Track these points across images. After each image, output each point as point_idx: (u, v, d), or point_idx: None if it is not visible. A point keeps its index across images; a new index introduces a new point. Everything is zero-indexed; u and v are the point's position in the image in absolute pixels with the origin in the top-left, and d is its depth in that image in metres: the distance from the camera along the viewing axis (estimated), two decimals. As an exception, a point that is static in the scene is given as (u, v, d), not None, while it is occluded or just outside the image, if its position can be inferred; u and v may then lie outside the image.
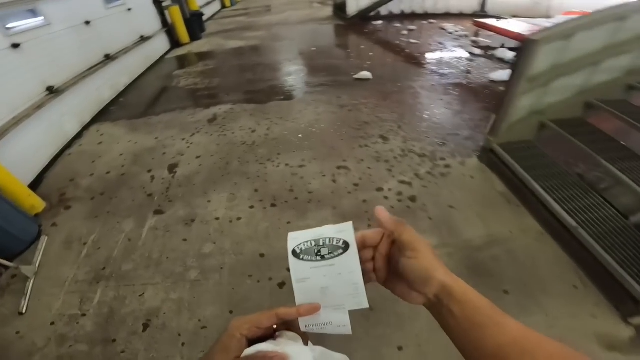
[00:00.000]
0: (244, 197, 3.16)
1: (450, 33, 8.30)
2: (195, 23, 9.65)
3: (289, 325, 0.59)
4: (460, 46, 7.17)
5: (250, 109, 4.81)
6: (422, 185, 3.17)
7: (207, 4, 14.21)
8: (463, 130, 3.98)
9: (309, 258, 0.57)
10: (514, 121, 3.24)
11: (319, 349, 0.60)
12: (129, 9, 6.83)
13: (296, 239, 0.59)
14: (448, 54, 6.67)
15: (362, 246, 0.57)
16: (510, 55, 6.37)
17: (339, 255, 0.56)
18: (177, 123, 4.67)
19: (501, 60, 6.32)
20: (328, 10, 12.63)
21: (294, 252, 0.58)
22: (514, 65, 2.90)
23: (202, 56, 7.84)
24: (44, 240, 2.90)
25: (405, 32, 8.23)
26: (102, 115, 5.26)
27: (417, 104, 4.64)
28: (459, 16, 10.76)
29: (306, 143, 3.89)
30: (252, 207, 3.04)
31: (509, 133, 3.27)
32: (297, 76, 5.89)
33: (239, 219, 2.92)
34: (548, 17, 10.70)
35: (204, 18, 13.28)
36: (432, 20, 9.77)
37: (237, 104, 5.02)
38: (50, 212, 3.22)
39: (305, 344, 0.58)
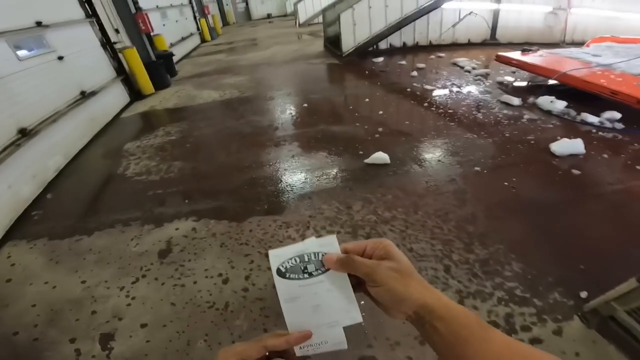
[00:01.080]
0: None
1: (468, 71, 6.90)
2: (162, 67, 8.16)
3: (282, 353, 0.53)
4: (488, 92, 5.72)
5: (221, 232, 3.22)
6: None
7: (183, 39, 12.88)
8: (546, 265, 2.45)
9: (296, 276, 0.54)
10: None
11: None
12: (60, 58, 5.27)
13: (279, 256, 0.55)
14: (478, 106, 5.19)
15: None
16: (560, 106, 4.92)
17: (326, 270, 0.54)
18: (114, 255, 3.10)
19: (549, 114, 4.86)
20: (319, 44, 11.34)
21: (278, 271, 0.54)
22: None
23: (165, 116, 6.28)
24: None
25: (414, 74, 6.79)
26: (20, 226, 3.66)
27: (464, 215, 3.07)
28: (467, 46, 9.54)
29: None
30: None
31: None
32: (286, 159, 4.28)
33: None
34: (563, 41, 9.56)
35: (178, 57, 11.96)
36: (439, 54, 8.43)
37: (202, 218, 3.42)
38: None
39: None
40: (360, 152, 4.13)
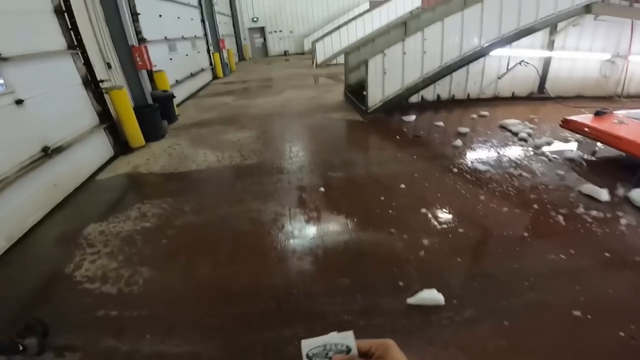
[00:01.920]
0: None
1: (523, 140, 5.75)
2: (157, 113, 7.19)
3: None
4: (560, 176, 4.52)
5: None
6: None
7: (192, 75, 12.17)
8: None
9: None
10: None
11: None
12: (19, 102, 4.23)
13: (309, 345, 0.69)
14: (554, 203, 3.97)
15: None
16: (667, 209, 3.69)
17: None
18: None
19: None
20: (338, 92, 10.44)
21: (307, 356, 0.69)
22: None
23: (147, 186, 5.18)
24: None
25: (458, 143, 5.65)
26: None
27: None
28: (511, 100, 8.49)
29: None
30: None
31: None
32: (294, 288, 2.97)
33: None
34: (619, 94, 8.51)
35: (185, 96, 11.20)
36: (482, 112, 7.36)
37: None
38: None
39: None
40: (400, 283, 2.91)
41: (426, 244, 3.35)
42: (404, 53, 6.89)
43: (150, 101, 7.29)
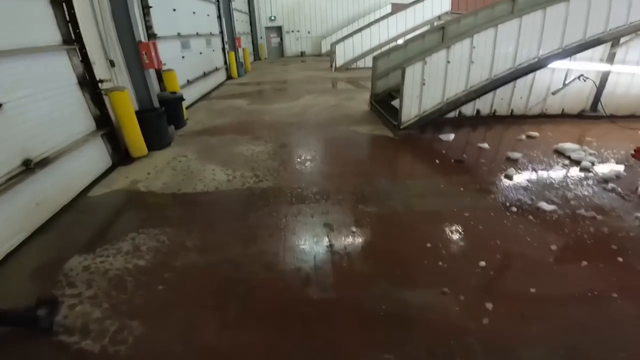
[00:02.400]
0: None
1: (587, 170, 5.01)
2: (163, 118, 6.63)
3: None
4: (641, 221, 3.81)
5: None
6: None
7: (205, 75, 11.70)
8: None
9: None
10: None
11: None
12: None
13: None
14: (639, 255, 3.28)
15: None
16: None
17: None
18: None
19: None
20: (361, 99, 9.80)
21: None
22: None
23: (144, 208, 4.54)
24: None
25: (511, 171, 4.93)
26: None
27: None
28: (558, 118, 7.76)
29: None
30: None
31: None
32: None
33: None
34: None
35: (196, 97, 10.70)
36: (530, 132, 6.63)
37: None
38: None
39: None
40: (462, 366, 2.25)
41: (490, 309, 2.66)
42: (448, 62, 6.15)
43: (156, 104, 6.76)
